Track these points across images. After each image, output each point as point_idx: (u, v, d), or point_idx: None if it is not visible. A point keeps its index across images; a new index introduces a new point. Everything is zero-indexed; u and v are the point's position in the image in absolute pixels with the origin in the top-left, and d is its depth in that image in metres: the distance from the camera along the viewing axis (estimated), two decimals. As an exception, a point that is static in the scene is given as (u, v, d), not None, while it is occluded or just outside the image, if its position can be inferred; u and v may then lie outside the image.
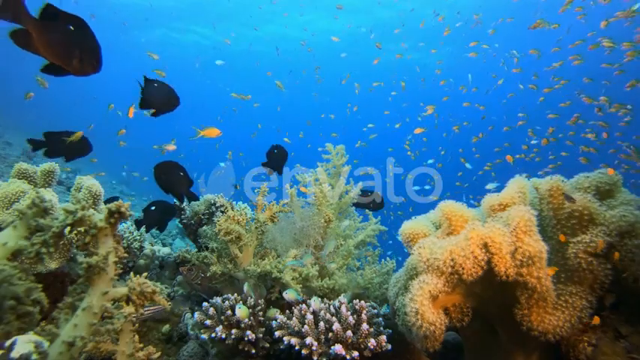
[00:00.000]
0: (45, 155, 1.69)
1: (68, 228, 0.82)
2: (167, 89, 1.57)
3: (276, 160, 1.98)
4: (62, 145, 1.68)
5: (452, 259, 0.99)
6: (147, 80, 1.54)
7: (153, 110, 1.56)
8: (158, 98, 1.56)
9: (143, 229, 1.97)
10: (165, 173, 1.69)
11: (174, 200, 1.96)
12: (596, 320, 1.05)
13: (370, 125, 7.12)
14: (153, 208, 1.83)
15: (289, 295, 1.36)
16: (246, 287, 1.42)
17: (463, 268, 0.98)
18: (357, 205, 1.90)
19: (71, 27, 1.18)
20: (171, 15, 11.83)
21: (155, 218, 1.86)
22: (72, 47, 1.19)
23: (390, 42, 10.59)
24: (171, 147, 2.46)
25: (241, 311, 1.30)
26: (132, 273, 0.90)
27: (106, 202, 1.64)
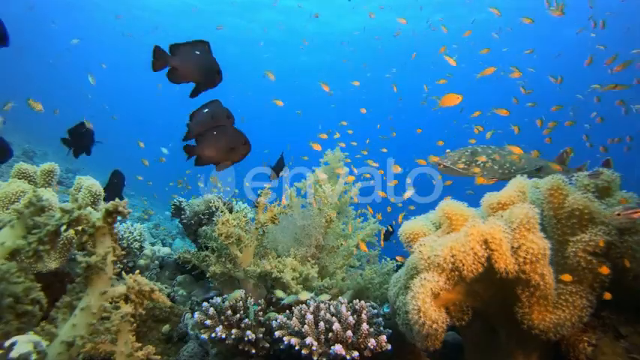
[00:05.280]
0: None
1: (64, 227, 0.81)
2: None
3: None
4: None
5: (452, 256, 0.98)
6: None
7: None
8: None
9: (143, 229, 1.98)
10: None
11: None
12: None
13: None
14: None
15: None
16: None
17: (463, 265, 0.97)
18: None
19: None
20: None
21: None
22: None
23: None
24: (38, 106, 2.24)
25: None
26: (123, 272, 0.89)
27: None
